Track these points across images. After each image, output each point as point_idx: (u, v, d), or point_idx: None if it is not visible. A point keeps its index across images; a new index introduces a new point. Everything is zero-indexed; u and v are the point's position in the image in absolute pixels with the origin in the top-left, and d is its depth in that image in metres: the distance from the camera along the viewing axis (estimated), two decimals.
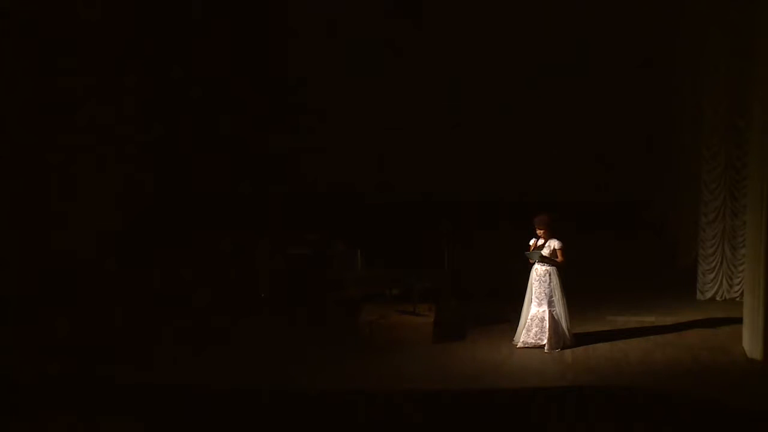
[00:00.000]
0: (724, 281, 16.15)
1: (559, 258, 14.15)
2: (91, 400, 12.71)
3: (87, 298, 16.07)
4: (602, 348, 14.33)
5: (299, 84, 21.33)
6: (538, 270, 14.24)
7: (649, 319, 15.41)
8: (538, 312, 14.23)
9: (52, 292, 15.86)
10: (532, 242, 14.26)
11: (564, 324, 14.27)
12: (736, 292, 16.02)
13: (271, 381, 13.31)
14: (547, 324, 14.15)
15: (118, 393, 12.91)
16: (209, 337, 14.84)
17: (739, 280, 15.94)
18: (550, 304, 14.19)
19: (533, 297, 14.26)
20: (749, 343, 13.92)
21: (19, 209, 16.00)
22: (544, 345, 14.16)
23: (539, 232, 14.22)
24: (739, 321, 14.53)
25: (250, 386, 13.11)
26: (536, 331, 14.25)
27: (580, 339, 14.46)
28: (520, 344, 14.31)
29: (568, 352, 14.16)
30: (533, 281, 14.28)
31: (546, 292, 14.20)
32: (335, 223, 18.50)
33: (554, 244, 14.17)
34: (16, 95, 15.93)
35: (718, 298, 16.18)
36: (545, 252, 14.16)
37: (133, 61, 19.06)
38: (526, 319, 14.30)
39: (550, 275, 14.19)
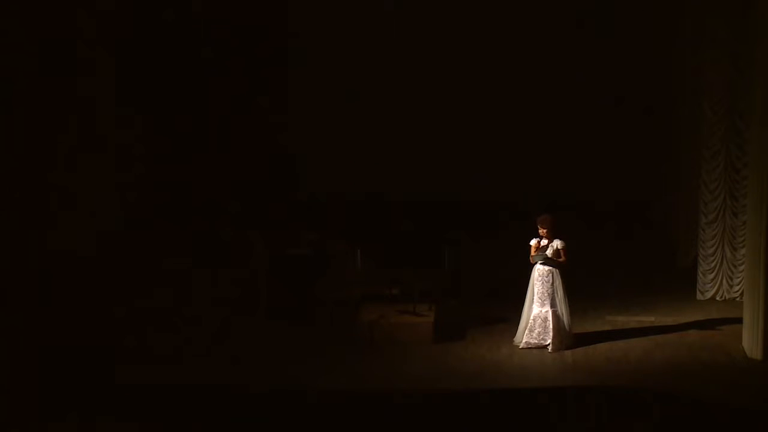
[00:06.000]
0: (724, 281, 16.16)
1: (563, 257, 14.13)
2: (90, 400, 12.72)
3: (85, 296, 16.06)
4: (602, 348, 14.33)
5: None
6: (540, 270, 14.21)
7: (649, 319, 15.41)
8: (540, 312, 14.20)
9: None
10: (533, 242, 14.23)
11: (566, 324, 14.26)
12: (736, 292, 16.03)
13: (271, 381, 13.30)
14: (550, 324, 14.13)
15: (118, 393, 12.91)
16: (208, 337, 14.83)
17: (739, 280, 15.94)
18: (553, 304, 14.17)
19: (535, 297, 14.23)
20: (749, 343, 13.92)
21: (18, 209, 15.97)
22: (548, 345, 14.14)
23: (542, 231, 14.20)
24: (739, 321, 14.54)
25: (249, 386, 13.11)
26: (539, 332, 14.22)
27: (580, 339, 14.46)
28: (522, 345, 14.27)
29: (568, 352, 14.15)
30: (535, 281, 14.24)
31: (548, 292, 14.17)
32: (335, 223, 18.49)
33: (557, 243, 14.14)
34: (16, 95, 15.91)
35: (718, 298, 16.18)
36: (549, 252, 14.13)
37: (134, 61, 19.04)
38: (528, 319, 14.28)
39: (552, 275, 14.16)
